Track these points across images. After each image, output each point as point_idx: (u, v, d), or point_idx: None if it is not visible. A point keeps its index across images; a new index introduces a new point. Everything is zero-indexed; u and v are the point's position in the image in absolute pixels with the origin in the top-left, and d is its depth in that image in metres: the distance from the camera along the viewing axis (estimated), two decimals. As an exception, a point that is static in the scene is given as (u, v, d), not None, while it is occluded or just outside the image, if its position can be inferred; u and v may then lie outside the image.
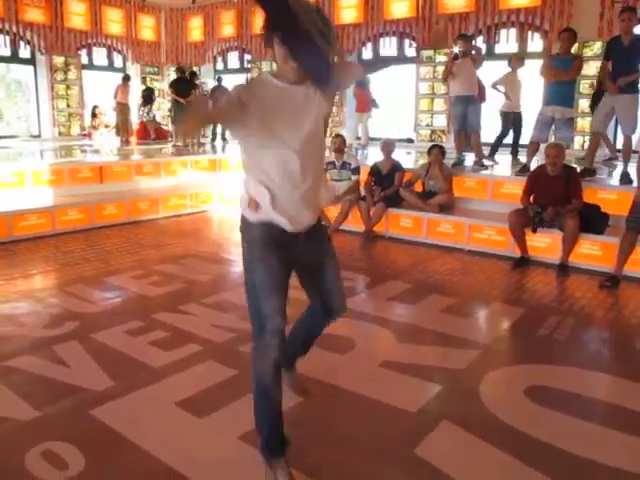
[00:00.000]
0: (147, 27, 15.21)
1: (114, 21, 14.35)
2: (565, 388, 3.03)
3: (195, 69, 14.45)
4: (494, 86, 8.20)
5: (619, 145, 7.35)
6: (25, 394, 2.84)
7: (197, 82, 11.93)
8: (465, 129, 7.36)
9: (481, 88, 7.88)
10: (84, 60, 14.22)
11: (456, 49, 7.35)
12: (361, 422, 2.63)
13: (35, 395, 2.84)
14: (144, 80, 15.07)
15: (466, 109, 7.10)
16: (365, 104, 10.45)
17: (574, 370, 3.28)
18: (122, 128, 12.75)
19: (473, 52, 7.13)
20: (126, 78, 12.88)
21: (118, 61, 15.05)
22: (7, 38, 12.52)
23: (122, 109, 12.73)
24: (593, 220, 5.34)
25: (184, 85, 11.51)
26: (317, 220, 2.24)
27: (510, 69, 8.25)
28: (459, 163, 7.31)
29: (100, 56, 14.62)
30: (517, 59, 8.35)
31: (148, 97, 13.20)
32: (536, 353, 3.53)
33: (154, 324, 3.82)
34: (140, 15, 14.93)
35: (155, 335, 3.62)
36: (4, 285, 4.66)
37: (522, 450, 2.41)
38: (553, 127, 6.41)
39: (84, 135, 13.31)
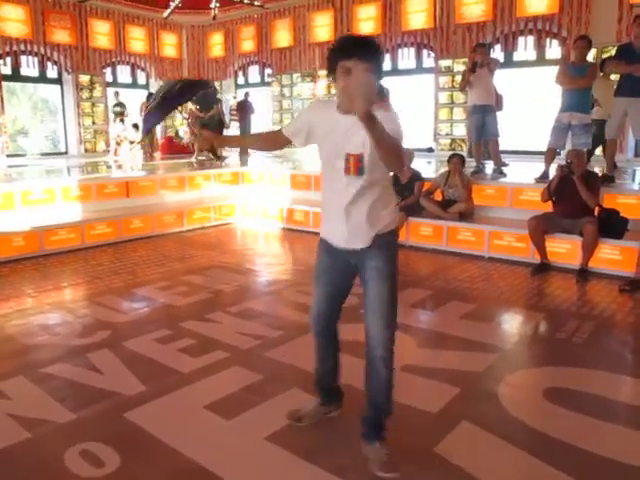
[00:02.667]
0: (169, 44, 15.60)
1: (137, 39, 14.76)
2: (584, 390, 3.09)
3: (216, 83, 14.75)
4: None
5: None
6: (61, 398, 2.99)
7: (218, 96, 12.18)
8: (484, 137, 7.43)
9: (498, 96, 7.95)
10: (109, 78, 14.62)
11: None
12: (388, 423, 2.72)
13: (71, 399, 2.99)
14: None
15: (484, 118, 7.19)
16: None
17: (593, 372, 3.34)
18: (149, 143, 13.02)
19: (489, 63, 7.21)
20: (150, 96, 13.15)
21: (141, 78, 15.44)
22: (36, 59, 12.96)
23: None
24: (612, 225, 5.36)
25: (207, 100, 11.78)
26: (376, 240, 2.26)
27: (602, 74, 7.61)
28: (478, 172, 7.38)
29: (124, 74, 15.02)
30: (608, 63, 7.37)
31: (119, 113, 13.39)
32: (555, 356, 3.59)
33: (182, 332, 3.95)
34: (162, 33, 15.33)
35: (183, 342, 3.76)
36: (37, 297, 4.85)
37: (541, 449, 2.48)
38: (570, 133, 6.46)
39: (109, 151, 13.63)
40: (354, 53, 2.07)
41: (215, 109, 11.61)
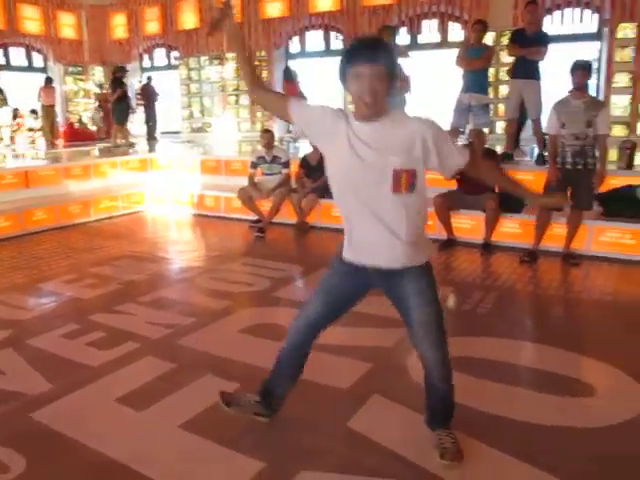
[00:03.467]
0: (67, 25, 14.74)
1: (31, 19, 13.84)
2: (488, 357, 3.26)
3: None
4: None
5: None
6: (-40, 403, 2.83)
7: (124, 80, 11.70)
8: None
9: (406, 78, 8.13)
10: (0, 60, 13.69)
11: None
12: (296, 402, 2.75)
13: (-29, 404, 2.83)
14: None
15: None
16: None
17: (496, 340, 3.53)
18: (49, 131, 12.34)
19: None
20: (48, 80, 12.44)
21: (38, 61, 14.57)
22: None
23: (48, 112, 12.30)
24: (512, 200, 5.63)
25: (115, 85, 11.39)
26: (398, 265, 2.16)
27: None
28: None
29: (18, 56, 14.12)
30: None
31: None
32: (460, 327, 3.77)
33: (90, 326, 3.83)
34: (59, 12, 14.46)
35: (92, 336, 3.64)
36: None
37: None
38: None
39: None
40: (365, 56, 1.97)
41: (119, 92, 11.19)
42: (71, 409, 2.77)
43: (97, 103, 14.61)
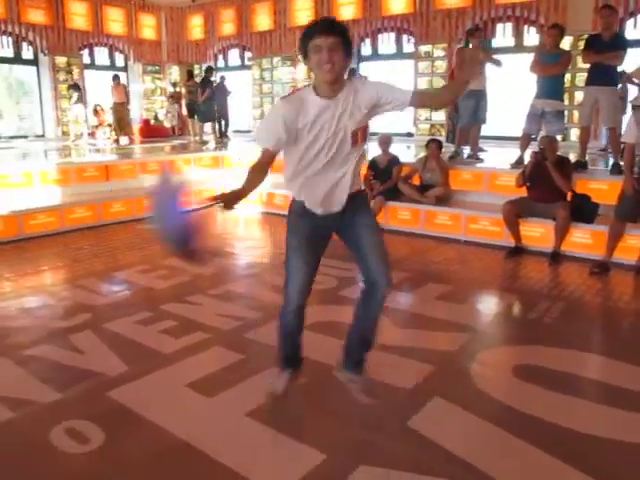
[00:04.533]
0: (148, 26, 15.40)
1: (115, 20, 14.55)
2: (552, 367, 3.22)
3: (197, 67, 14.67)
4: (629, 78, 7.60)
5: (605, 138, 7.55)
6: (45, 379, 3.04)
7: (212, 79, 12.12)
8: (474, 122, 7.44)
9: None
10: (86, 60, 14.42)
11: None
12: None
13: (54, 380, 3.04)
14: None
15: (478, 103, 7.17)
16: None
17: (561, 350, 3.47)
18: (119, 127, 12.65)
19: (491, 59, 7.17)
20: (115, 77, 12.70)
21: (120, 60, 15.26)
22: (10, 39, 12.74)
23: (117, 108, 12.60)
24: (584, 209, 5.51)
25: (202, 84, 11.83)
26: (354, 193, 2.47)
27: None
28: (455, 156, 7.48)
29: (102, 56, 14.84)
30: None
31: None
32: (525, 335, 3.74)
33: (163, 314, 4.01)
34: (141, 14, 15.13)
35: (164, 324, 3.82)
36: (18, 281, 4.87)
37: (510, 423, 2.60)
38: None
39: (88, 134, 13.45)
40: (321, 30, 2.24)
41: (209, 92, 11.60)
42: (145, 391, 2.94)
43: (171, 100, 15.10)
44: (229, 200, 2.33)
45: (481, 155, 7.64)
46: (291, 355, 2.70)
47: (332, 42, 2.22)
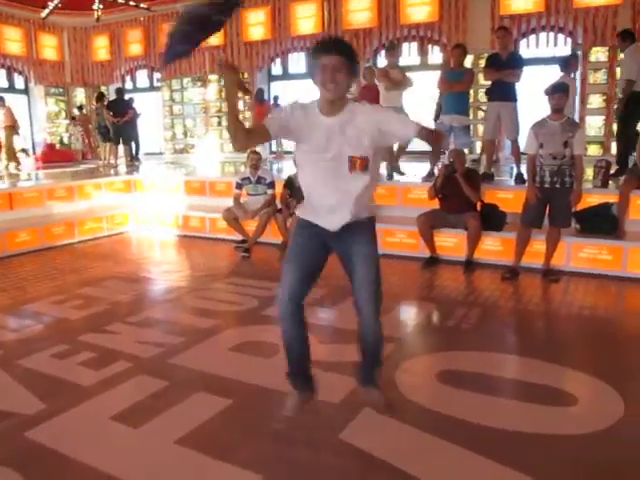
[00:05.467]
0: (49, 46, 14.83)
1: (13, 40, 13.89)
2: (473, 370, 3.37)
3: (103, 88, 14.27)
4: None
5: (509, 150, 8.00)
6: (-48, 424, 2.83)
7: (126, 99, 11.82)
8: None
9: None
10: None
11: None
12: (289, 417, 2.82)
13: (-37, 424, 2.84)
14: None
15: None
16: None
17: (480, 354, 3.63)
18: (10, 153, 11.48)
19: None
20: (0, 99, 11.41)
21: (19, 82, 14.59)
22: None
23: (8, 133, 11.44)
24: (493, 218, 5.80)
25: (120, 105, 11.45)
26: (356, 218, 2.47)
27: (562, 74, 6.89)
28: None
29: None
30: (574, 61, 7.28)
31: None
32: (445, 342, 3.88)
33: (80, 346, 3.84)
34: (41, 34, 14.53)
35: (82, 356, 3.66)
36: None
37: (437, 427, 2.69)
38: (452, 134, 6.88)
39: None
40: (327, 49, 2.30)
41: (129, 114, 11.32)
42: (66, 427, 2.80)
43: (74, 123, 14.56)
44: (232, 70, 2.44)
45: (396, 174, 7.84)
46: (296, 370, 2.67)
47: (337, 62, 2.27)
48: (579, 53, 7.34)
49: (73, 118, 14.63)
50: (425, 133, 2.34)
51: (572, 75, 7.07)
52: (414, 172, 7.81)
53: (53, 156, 13.67)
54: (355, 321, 2.64)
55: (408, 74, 7.48)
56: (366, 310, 2.54)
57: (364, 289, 2.52)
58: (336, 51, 2.29)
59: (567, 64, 6.84)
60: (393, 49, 7.65)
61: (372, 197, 2.59)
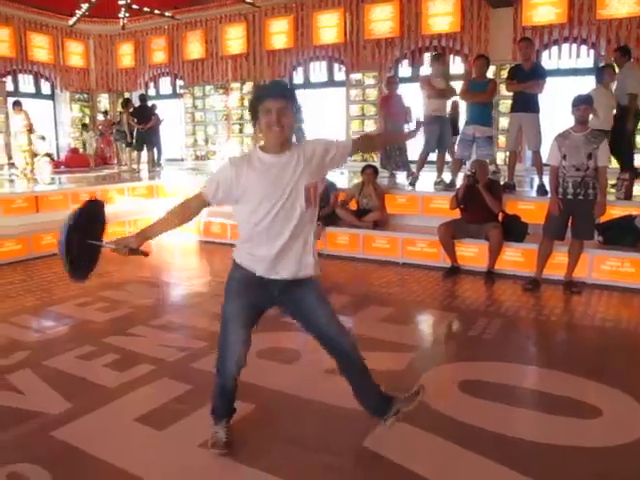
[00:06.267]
0: (75, 53, 15.08)
1: (40, 47, 14.16)
2: (494, 380, 3.37)
3: (127, 95, 14.45)
4: None
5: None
6: (-18, 422, 2.90)
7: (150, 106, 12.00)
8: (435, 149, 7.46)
9: (407, 109, 8.34)
10: (9, 87, 13.93)
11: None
12: (311, 422, 2.86)
13: (-8, 422, 2.90)
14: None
15: (441, 129, 7.22)
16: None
17: (501, 364, 3.63)
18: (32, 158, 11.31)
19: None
20: (17, 103, 11.19)
21: (46, 88, 14.86)
22: None
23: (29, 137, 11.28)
24: (514, 229, 5.79)
25: (144, 112, 11.62)
26: (303, 275, 2.47)
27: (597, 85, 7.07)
28: (414, 182, 7.58)
29: (27, 83, 14.39)
30: (610, 72, 7.14)
31: None
32: (467, 352, 3.88)
33: (105, 348, 3.90)
34: (67, 41, 14.80)
35: (107, 358, 3.72)
36: (-56, 319, 4.61)
37: (460, 436, 2.69)
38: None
39: (12, 164, 12.84)
40: (271, 94, 2.34)
41: (153, 120, 11.50)
42: (92, 428, 2.85)
43: (94, 130, 14.77)
44: (128, 244, 2.47)
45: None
46: (228, 408, 2.67)
47: (281, 106, 2.30)
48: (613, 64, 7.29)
49: (85, 125, 14.82)
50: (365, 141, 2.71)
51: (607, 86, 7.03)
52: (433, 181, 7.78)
53: (77, 161, 13.87)
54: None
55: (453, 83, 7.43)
56: (345, 339, 2.59)
57: (334, 325, 2.56)
58: (280, 95, 2.33)
59: (602, 75, 6.85)
60: (438, 59, 7.49)
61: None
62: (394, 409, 2.62)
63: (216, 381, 2.62)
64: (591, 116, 5.15)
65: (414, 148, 7.98)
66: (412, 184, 7.53)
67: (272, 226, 2.36)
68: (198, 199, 2.46)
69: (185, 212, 2.50)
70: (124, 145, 12.53)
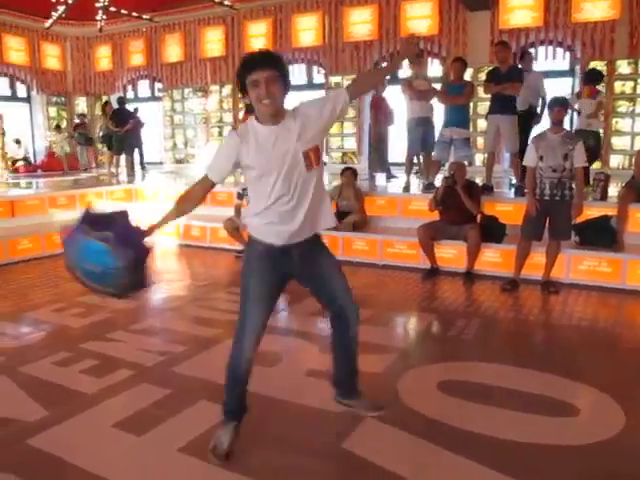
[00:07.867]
0: (52, 56, 14.92)
1: (16, 49, 13.98)
2: (473, 380, 3.40)
3: (105, 98, 14.31)
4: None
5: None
6: (-45, 430, 2.84)
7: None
8: (420, 151, 7.55)
9: (390, 111, 8.39)
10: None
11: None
12: (292, 425, 2.84)
13: (-34, 430, 2.85)
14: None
15: (425, 131, 7.21)
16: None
17: (480, 364, 3.66)
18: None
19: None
20: None
21: (22, 91, 14.67)
22: None
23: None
24: (493, 230, 5.85)
25: (122, 116, 11.45)
26: (324, 226, 2.53)
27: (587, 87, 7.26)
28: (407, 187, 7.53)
29: (2, 86, 14.19)
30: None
31: None
32: (446, 352, 3.90)
33: (82, 353, 3.85)
34: (44, 44, 14.63)
35: (85, 364, 3.67)
36: None
37: (439, 436, 2.70)
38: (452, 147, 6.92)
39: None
40: (258, 64, 2.27)
41: (130, 124, 11.31)
42: (69, 435, 2.81)
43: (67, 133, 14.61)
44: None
45: (392, 181, 7.89)
46: (238, 405, 2.61)
47: (269, 75, 2.25)
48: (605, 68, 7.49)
49: (58, 127, 14.67)
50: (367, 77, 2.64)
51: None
52: (412, 183, 7.82)
53: (53, 165, 13.69)
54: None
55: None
56: (353, 316, 2.61)
57: (346, 296, 2.59)
58: (267, 64, 2.27)
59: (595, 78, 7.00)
60: (417, 60, 7.31)
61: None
62: (352, 402, 2.72)
63: (228, 369, 2.58)
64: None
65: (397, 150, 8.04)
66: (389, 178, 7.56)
67: (282, 196, 2.35)
68: (203, 182, 2.47)
69: (195, 196, 2.51)
70: (85, 149, 12.33)
